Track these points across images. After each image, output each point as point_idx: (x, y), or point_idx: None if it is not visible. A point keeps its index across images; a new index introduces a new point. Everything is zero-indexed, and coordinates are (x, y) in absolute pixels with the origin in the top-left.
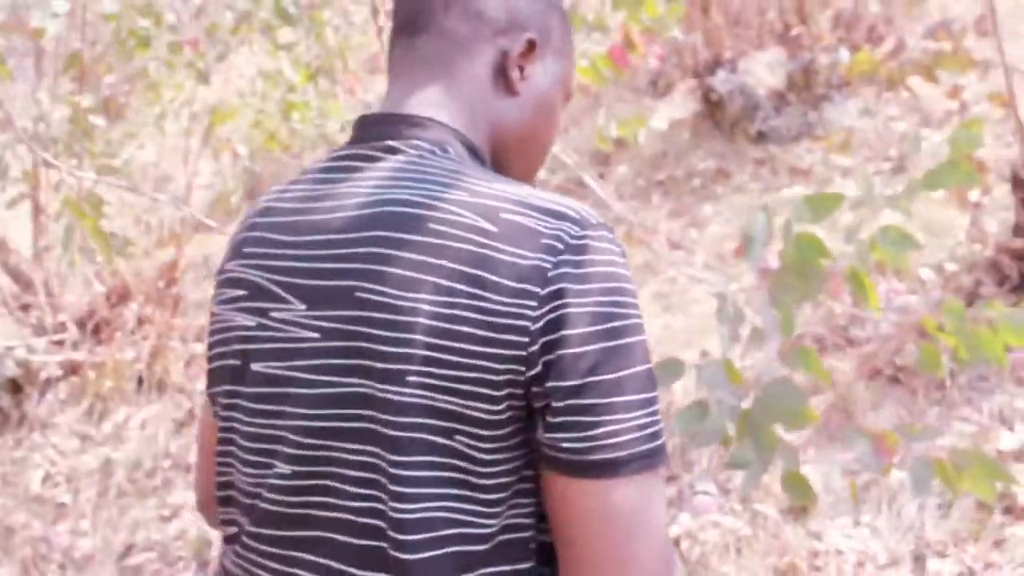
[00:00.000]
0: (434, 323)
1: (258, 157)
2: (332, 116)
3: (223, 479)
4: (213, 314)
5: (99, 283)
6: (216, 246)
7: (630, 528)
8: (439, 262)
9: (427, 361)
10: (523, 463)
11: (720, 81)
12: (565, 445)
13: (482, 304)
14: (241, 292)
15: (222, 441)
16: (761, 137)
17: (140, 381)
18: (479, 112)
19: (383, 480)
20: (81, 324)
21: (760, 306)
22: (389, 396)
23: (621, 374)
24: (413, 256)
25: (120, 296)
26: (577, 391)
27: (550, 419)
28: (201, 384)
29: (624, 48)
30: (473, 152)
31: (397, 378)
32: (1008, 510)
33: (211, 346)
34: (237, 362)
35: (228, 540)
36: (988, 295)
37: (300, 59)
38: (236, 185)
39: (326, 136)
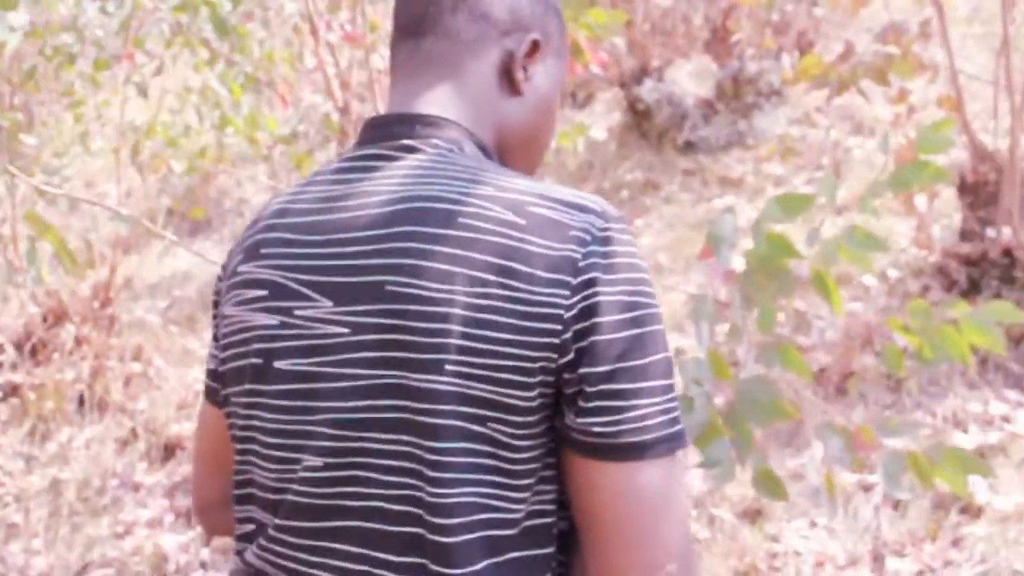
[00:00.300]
0: (469, 313)
1: (192, 172)
2: (268, 129)
3: (241, 477)
4: (226, 316)
5: (34, 304)
6: (143, 267)
7: (656, 509)
8: (471, 255)
9: (463, 350)
10: (547, 450)
11: (647, 90)
12: (596, 429)
13: (515, 294)
14: (261, 292)
15: (241, 440)
16: (690, 147)
17: (81, 401)
18: (485, 112)
19: (419, 467)
20: (18, 346)
21: (732, 306)
22: (425, 385)
23: (647, 360)
24: (445, 249)
25: (56, 317)
26: (609, 377)
27: (582, 404)
28: (142, 403)
29: (571, 55)
30: (484, 151)
31: (434, 367)
32: (964, 509)
33: (225, 347)
34: (259, 361)
35: (244, 538)
36: (936, 300)
37: (227, 73)
38: (172, 200)
39: (259, 149)
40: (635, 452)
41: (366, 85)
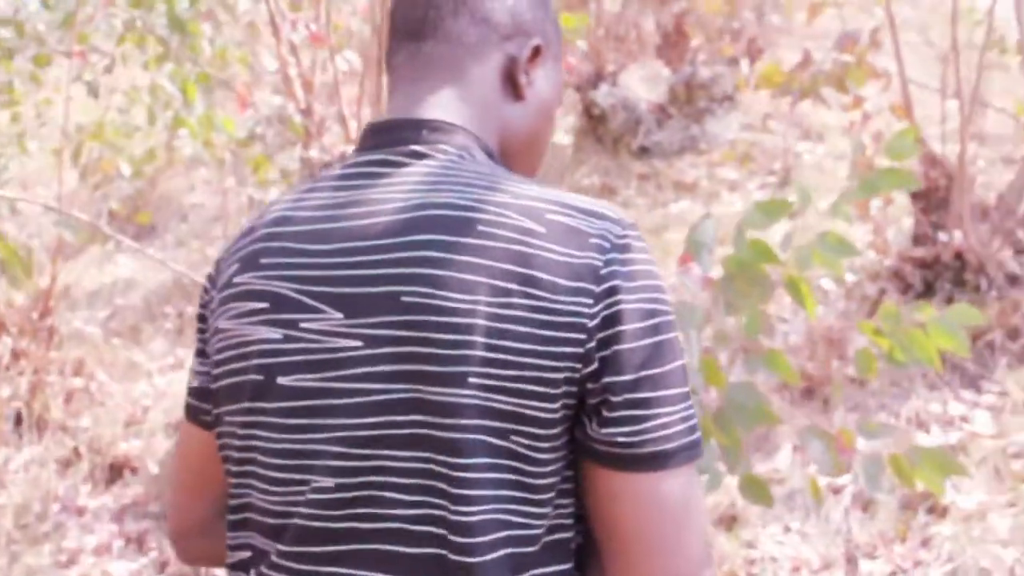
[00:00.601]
0: (492, 324)
1: (139, 176)
2: (224, 131)
3: (237, 502)
4: (219, 330)
5: None
6: (83, 275)
7: (678, 518)
8: (491, 263)
9: (486, 362)
10: (566, 463)
11: (602, 95)
12: (620, 439)
13: (538, 303)
14: (262, 304)
15: (238, 461)
16: (644, 152)
17: (19, 419)
18: (489, 117)
19: (441, 484)
20: None
21: (715, 312)
22: (446, 399)
23: (668, 368)
24: (464, 258)
25: None
26: (633, 386)
27: (606, 414)
28: (85, 420)
29: None
30: (491, 157)
31: (456, 380)
32: (931, 509)
33: (219, 363)
34: (259, 377)
35: (239, 566)
36: (893, 304)
37: (179, 71)
38: (116, 204)
39: (216, 152)
40: (658, 462)
41: (331, 86)
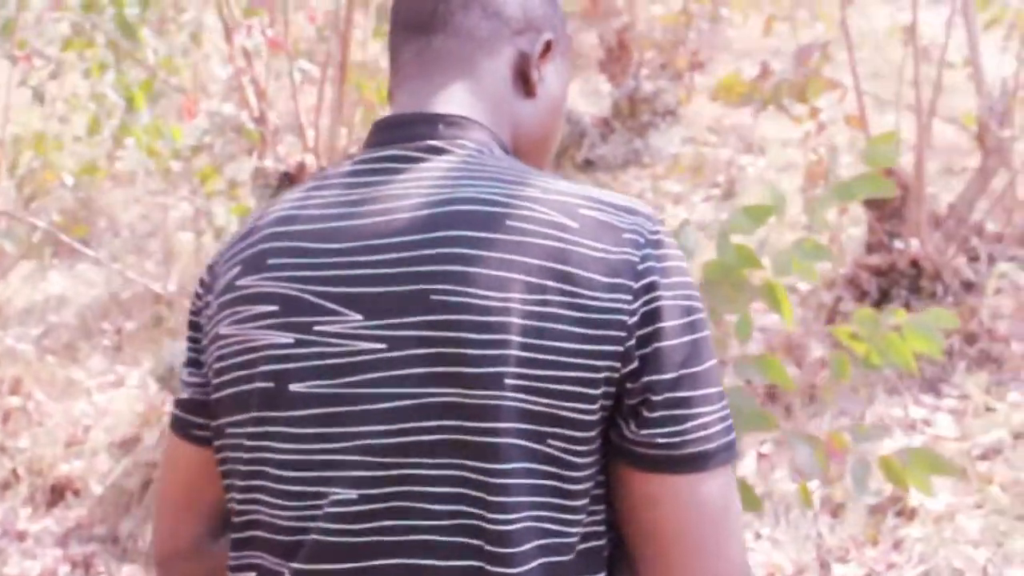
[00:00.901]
0: (527, 322)
1: (78, 187)
2: (171, 139)
3: (243, 519)
4: (220, 337)
5: None
6: (14, 291)
7: (717, 520)
8: (525, 259)
9: (522, 362)
10: (599, 467)
11: None
12: (660, 440)
13: (575, 300)
14: (270, 308)
15: (244, 476)
16: (589, 165)
17: None
18: (502, 112)
19: (476, 492)
20: None
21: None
22: (482, 402)
23: (705, 366)
24: (497, 255)
25: None
26: (674, 384)
27: (646, 414)
28: (24, 441)
29: None
30: (506, 152)
31: (492, 382)
32: (900, 512)
33: (221, 372)
34: (269, 384)
35: None
36: (848, 311)
37: (123, 79)
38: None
39: (161, 161)
40: (699, 463)
41: (287, 95)
